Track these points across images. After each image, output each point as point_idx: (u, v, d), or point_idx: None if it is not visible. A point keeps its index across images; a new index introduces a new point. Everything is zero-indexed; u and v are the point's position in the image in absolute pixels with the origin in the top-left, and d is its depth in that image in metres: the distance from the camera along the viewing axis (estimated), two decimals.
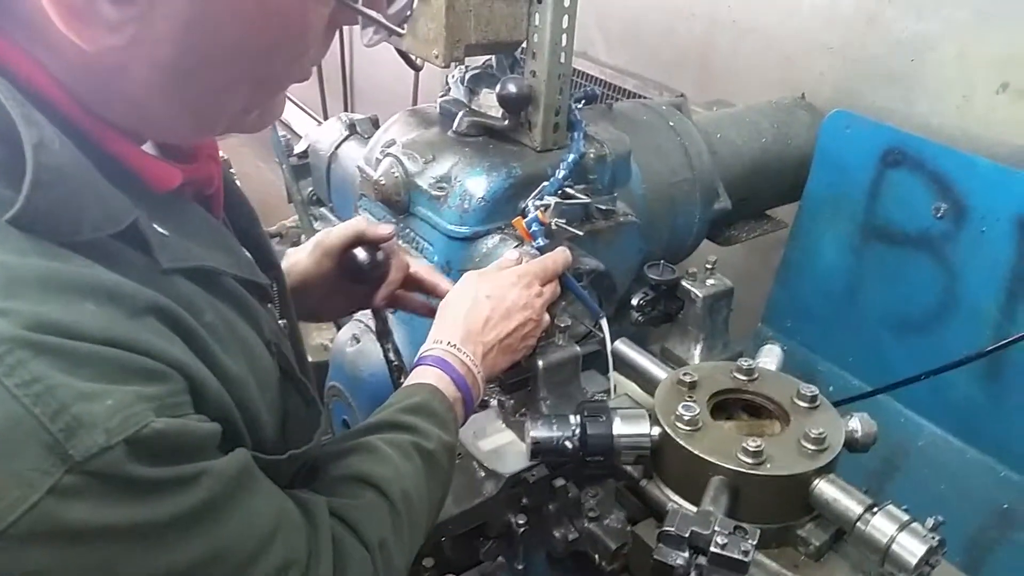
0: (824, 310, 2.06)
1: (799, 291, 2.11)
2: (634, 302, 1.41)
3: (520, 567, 1.30)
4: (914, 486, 1.87)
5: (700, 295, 1.40)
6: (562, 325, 1.24)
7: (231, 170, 1.02)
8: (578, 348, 1.26)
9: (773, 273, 2.18)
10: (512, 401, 1.27)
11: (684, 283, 1.42)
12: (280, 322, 0.88)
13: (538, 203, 1.38)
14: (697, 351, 1.43)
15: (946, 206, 1.78)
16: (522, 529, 1.19)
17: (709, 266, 1.44)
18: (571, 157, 1.45)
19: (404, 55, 1.75)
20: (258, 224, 0.95)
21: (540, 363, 1.22)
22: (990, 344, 1.64)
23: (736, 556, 0.85)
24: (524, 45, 1.46)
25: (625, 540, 1.15)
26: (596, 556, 1.17)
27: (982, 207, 1.72)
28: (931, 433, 1.88)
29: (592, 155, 1.51)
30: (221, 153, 0.99)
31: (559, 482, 1.19)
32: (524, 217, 1.37)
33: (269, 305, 0.86)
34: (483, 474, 1.19)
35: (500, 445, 1.23)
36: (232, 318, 0.73)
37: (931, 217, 1.80)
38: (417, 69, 1.90)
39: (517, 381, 1.25)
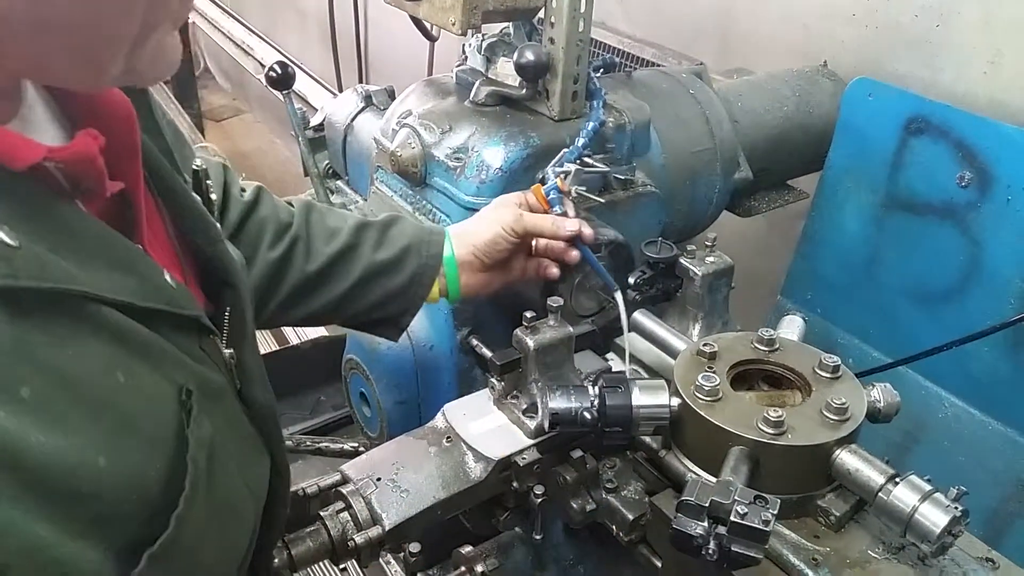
0: (845, 281, 2.03)
1: (820, 262, 2.08)
2: (631, 280, 1.36)
3: (538, 537, 1.30)
4: (934, 458, 1.87)
5: (699, 273, 1.34)
6: (554, 305, 1.20)
7: (208, 181, 0.87)
8: (571, 328, 1.21)
9: (793, 244, 2.16)
10: (503, 383, 1.22)
11: (683, 261, 1.36)
12: (227, 351, 0.75)
13: (558, 170, 1.36)
14: (695, 331, 1.38)
15: (971, 175, 1.74)
16: (540, 500, 1.19)
17: (709, 243, 1.38)
18: (591, 125, 1.43)
19: (419, 24, 1.73)
20: (215, 237, 0.82)
21: (531, 344, 1.17)
22: (1014, 315, 1.62)
23: (757, 525, 0.85)
24: (542, 12, 1.43)
25: (643, 511, 1.14)
26: (614, 527, 1.17)
27: (1008, 175, 1.69)
28: (952, 405, 1.86)
29: (611, 124, 1.49)
30: (198, 161, 0.86)
31: (577, 453, 1.19)
32: (543, 184, 1.36)
33: (212, 336, 0.73)
34: (472, 458, 1.15)
35: (490, 428, 1.19)
36: (96, 367, 0.57)
37: (955, 186, 1.77)
38: (433, 39, 1.89)
39: (508, 363, 1.20)
